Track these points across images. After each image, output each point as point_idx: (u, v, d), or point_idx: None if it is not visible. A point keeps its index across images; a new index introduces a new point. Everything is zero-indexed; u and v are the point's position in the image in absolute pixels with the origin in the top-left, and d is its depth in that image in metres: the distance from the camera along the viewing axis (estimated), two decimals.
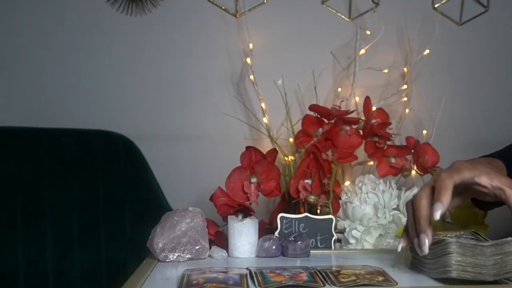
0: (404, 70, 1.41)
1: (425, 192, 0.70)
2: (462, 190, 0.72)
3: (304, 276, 0.63)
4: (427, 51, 1.37)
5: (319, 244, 0.89)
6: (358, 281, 0.62)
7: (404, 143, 1.24)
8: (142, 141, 1.32)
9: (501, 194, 0.69)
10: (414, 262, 0.71)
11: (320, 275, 0.65)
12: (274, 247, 0.83)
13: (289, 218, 0.89)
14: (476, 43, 1.46)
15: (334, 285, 0.61)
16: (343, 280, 0.62)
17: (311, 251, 0.84)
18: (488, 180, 0.69)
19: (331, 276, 0.64)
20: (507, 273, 0.62)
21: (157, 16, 1.38)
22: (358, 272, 0.65)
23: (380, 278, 0.63)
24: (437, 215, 0.65)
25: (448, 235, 0.69)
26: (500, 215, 1.42)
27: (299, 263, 0.77)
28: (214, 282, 0.59)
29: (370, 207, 1.06)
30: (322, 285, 0.61)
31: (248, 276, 0.65)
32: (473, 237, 0.69)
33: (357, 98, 1.37)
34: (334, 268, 0.68)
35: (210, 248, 0.84)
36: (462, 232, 0.71)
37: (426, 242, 0.65)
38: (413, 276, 0.68)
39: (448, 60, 1.45)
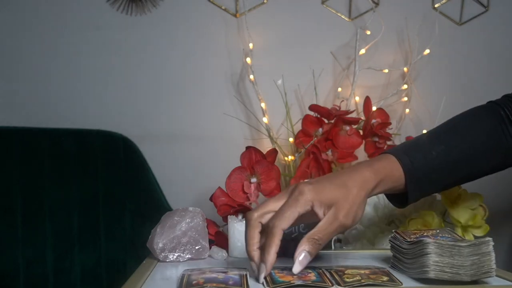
0: (404, 70, 1.41)
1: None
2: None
3: (312, 276, 0.63)
4: (427, 51, 1.37)
5: None
6: (362, 281, 0.61)
7: None
8: (142, 141, 1.32)
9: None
10: (394, 262, 0.71)
11: (327, 275, 0.64)
12: None
13: None
14: (476, 43, 1.46)
15: (339, 285, 0.61)
16: (347, 280, 0.62)
17: None
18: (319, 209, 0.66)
19: (335, 276, 0.64)
20: (485, 273, 0.62)
21: (157, 16, 1.38)
22: (362, 272, 0.65)
23: (385, 278, 0.63)
24: (261, 279, 0.64)
25: (425, 234, 0.69)
26: (500, 215, 1.43)
27: None
28: (214, 282, 0.59)
29: (370, 207, 1.06)
30: (330, 285, 0.61)
31: (248, 276, 0.65)
32: (449, 235, 0.69)
33: (357, 98, 1.37)
34: (338, 268, 0.67)
35: (210, 248, 0.84)
36: (438, 231, 0.71)
37: (263, 273, 0.64)
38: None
39: (448, 60, 1.45)
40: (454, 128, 0.84)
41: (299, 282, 0.60)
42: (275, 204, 0.68)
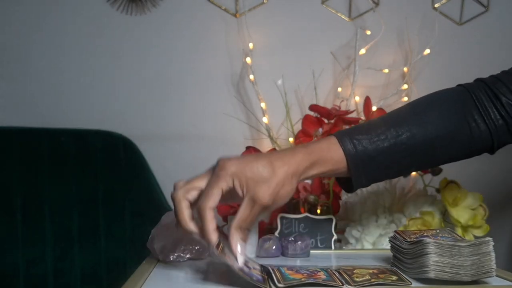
0: (404, 70, 1.41)
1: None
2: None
3: (322, 275, 0.63)
4: (427, 51, 1.37)
5: (319, 244, 0.89)
6: (372, 280, 0.61)
7: None
8: (142, 141, 1.32)
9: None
10: (394, 262, 0.71)
11: (336, 275, 0.64)
12: (274, 247, 0.83)
13: (289, 218, 0.89)
14: (476, 43, 1.46)
15: (349, 284, 0.61)
16: (357, 279, 0.62)
17: (311, 251, 0.84)
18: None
19: (345, 275, 0.63)
20: (485, 273, 0.62)
21: (157, 16, 1.38)
22: (371, 271, 0.65)
23: (394, 278, 0.63)
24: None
25: (425, 234, 0.69)
26: (500, 215, 1.43)
27: (299, 263, 0.77)
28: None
29: (370, 207, 1.06)
30: (341, 284, 0.60)
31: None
32: (449, 235, 0.69)
33: (357, 98, 1.37)
34: (346, 268, 0.67)
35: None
36: (438, 231, 0.71)
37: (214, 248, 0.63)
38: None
39: (448, 60, 1.45)
40: (412, 110, 0.76)
41: (311, 280, 0.60)
42: (199, 181, 0.66)
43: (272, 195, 0.64)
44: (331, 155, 0.70)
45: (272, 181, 0.64)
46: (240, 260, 0.62)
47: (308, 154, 0.69)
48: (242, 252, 0.62)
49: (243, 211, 0.64)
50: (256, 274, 0.62)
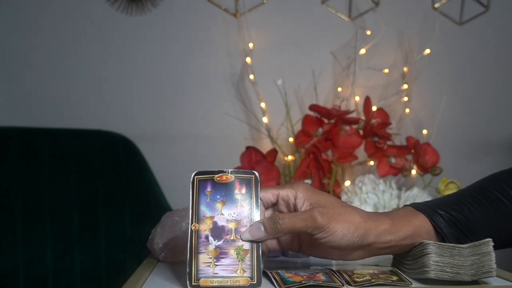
0: (404, 70, 1.41)
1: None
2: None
3: (321, 276, 0.63)
4: (427, 51, 1.37)
5: None
6: (373, 280, 0.61)
7: (404, 143, 1.24)
8: (142, 141, 1.32)
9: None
10: (394, 262, 0.71)
11: (335, 275, 0.64)
12: None
13: None
14: (476, 43, 1.46)
15: (350, 284, 0.61)
16: (358, 280, 0.62)
17: None
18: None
19: (345, 276, 0.64)
20: (485, 273, 0.62)
21: (157, 16, 1.38)
22: (371, 271, 0.65)
23: (395, 278, 0.63)
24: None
25: None
26: None
27: (300, 263, 0.77)
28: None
29: (370, 207, 1.06)
30: (341, 285, 0.61)
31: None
32: None
33: (357, 98, 1.37)
34: (346, 268, 0.67)
35: None
36: None
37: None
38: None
39: (448, 60, 1.45)
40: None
41: (311, 282, 0.60)
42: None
43: (333, 220, 0.60)
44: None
45: (342, 215, 0.61)
46: (244, 236, 0.61)
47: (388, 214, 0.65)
48: (252, 232, 0.61)
49: (294, 214, 0.60)
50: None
